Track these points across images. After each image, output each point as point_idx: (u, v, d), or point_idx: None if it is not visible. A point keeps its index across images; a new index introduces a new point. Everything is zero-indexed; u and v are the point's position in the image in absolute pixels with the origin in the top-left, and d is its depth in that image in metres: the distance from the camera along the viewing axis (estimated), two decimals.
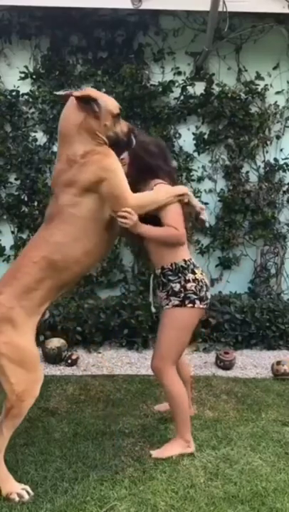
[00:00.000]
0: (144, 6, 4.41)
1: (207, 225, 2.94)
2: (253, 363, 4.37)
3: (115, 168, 2.50)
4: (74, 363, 4.18)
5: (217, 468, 2.65)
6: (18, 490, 2.38)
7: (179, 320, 2.72)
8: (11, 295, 2.39)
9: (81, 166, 2.45)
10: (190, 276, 2.71)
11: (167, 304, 2.73)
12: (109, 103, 2.52)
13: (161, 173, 2.77)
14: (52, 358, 4.16)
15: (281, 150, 5.11)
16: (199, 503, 2.35)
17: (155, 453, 2.76)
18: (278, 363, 4.04)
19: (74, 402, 3.43)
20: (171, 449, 2.76)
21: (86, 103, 2.44)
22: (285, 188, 5.15)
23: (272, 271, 5.20)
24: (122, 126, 2.59)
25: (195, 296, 2.69)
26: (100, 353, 4.49)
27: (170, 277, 2.72)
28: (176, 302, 2.70)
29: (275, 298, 5.02)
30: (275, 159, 5.09)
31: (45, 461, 2.68)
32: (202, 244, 5.17)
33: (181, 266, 2.72)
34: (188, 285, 2.69)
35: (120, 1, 4.42)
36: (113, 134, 2.54)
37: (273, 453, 2.82)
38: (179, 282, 2.70)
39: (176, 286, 2.70)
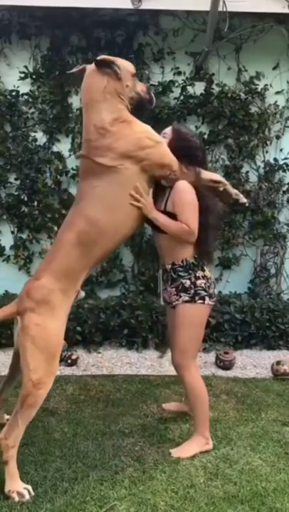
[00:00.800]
0: (144, 6, 4.41)
1: (247, 204, 3.00)
2: (252, 363, 4.37)
3: (154, 137, 2.59)
4: (74, 363, 4.18)
5: (217, 468, 2.65)
6: (20, 489, 2.38)
7: (192, 316, 2.77)
8: (52, 277, 2.45)
9: (114, 134, 2.49)
10: (200, 273, 2.75)
11: (177, 300, 2.77)
12: (125, 63, 2.60)
13: (195, 162, 2.76)
14: None
15: (281, 150, 5.11)
16: (199, 503, 2.36)
17: (175, 451, 2.77)
18: (278, 362, 4.04)
19: (74, 402, 3.43)
20: (191, 448, 2.78)
21: (107, 66, 2.50)
22: (284, 188, 5.15)
23: (272, 271, 5.20)
24: (142, 86, 2.69)
25: (205, 293, 2.74)
26: (99, 353, 4.49)
27: (180, 273, 2.76)
28: (187, 298, 2.74)
29: (275, 298, 5.02)
30: (275, 159, 5.09)
31: (45, 461, 2.68)
32: None
33: (192, 263, 2.75)
34: (199, 282, 2.74)
35: (120, 1, 4.42)
36: (136, 94, 2.62)
37: (273, 453, 2.83)
38: (189, 279, 2.74)
39: (187, 283, 2.74)
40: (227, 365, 4.20)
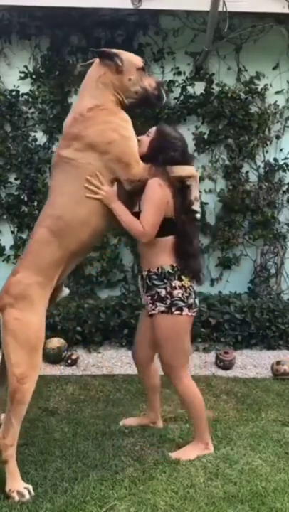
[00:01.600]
0: (144, 5, 4.41)
1: (198, 216, 2.71)
2: (252, 363, 4.37)
3: (124, 132, 2.48)
4: (74, 362, 4.18)
5: (217, 468, 2.65)
6: (21, 488, 2.37)
7: (171, 328, 2.64)
8: (27, 272, 2.45)
9: (87, 121, 2.43)
10: (176, 282, 2.60)
11: (153, 310, 2.65)
12: (131, 56, 2.55)
13: (172, 163, 2.62)
14: (52, 357, 4.16)
15: (281, 150, 5.12)
16: (199, 502, 2.35)
17: (174, 454, 2.76)
18: (278, 362, 4.04)
19: (74, 402, 3.43)
20: (191, 452, 2.75)
21: (109, 58, 2.47)
22: (284, 188, 5.15)
23: (272, 271, 5.20)
24: (150, 81, 2.58)
25: (182, 304, 2.60)
26: (99, 352, 4.49)
27: (155, 281, 2.64)
28: (163, 308, 2.61)
29: (275, 298, 5.02)
30: (275, 159, 5.09)
31: (45, 461, 2.68)
32: (202, 244, 5.17)
33: (168, 271, 2.61)
34: (175, 292, 2.59)
35: (120, 1, 4.42)
36: (141, 88, 2.54)
37: (273, 453, 2.82)
38: (165, 288, 2.60)
39: (162, 292, 2.61)
40: (227, 365, 4.20)
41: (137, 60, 2.56)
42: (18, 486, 2.38)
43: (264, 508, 2.33)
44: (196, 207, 2.67)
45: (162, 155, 2.59)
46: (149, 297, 2.68)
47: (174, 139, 2.67)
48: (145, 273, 2.69)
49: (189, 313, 2.64)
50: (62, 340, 4.27)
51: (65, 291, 2.79)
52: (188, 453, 2.75)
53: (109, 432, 3.02)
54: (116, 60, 2.48)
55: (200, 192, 5.00)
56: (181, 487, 2.47)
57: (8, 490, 2.37)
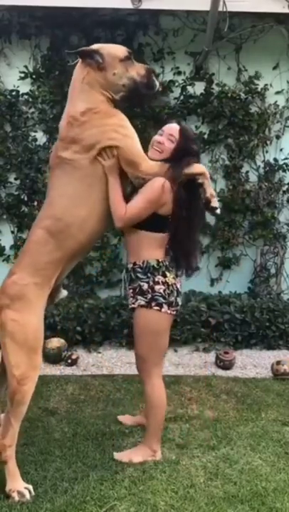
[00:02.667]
0: (144, 5, 4.41)
1: (218, 211, 2.68)
2: (252, 363, 4.37)
3: (125, 131, 2.46)
4: (74, 362, 4.18)
5: (217, 468, 2.65)
6: (21, 488, 2.38)
7: (148, 323, 2.61)
8: (24, 273, 2.43)
9: (82, 125, 2.40)
10: (160, 278, 2.57)
11: (133, 303, 2.63)
12: (112, 49, 2.44)
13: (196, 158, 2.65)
14: (52, 357, 4.16)
15: (281, 150, 5.11)
16: (199, 502, 2.35)
17: (117, 455, 2.72)
18: (278, 362, 4.04)
19: (74, 402, 3.43)
20: (136, 456, 2.69)
21: (89, 57, 2.39)
22: (284, 188, 5.15)
23: (272, 271, 5.20)
24: (138, 69, 2.47)
25: (163, 300, 2.57)
26: (99, 352, 4.49)
27: (138, 274, 2.61)
28: (142, 302, 2.59)
29: (275, 298, 5.02)
30: (275, 159, 5.09)
31: (45, 461, 2.68)
32: (202, 244, 5.17)
33: (152, 266, 2.58)
34: (157, 287, 2.57)
35: (120, 1, 4.42)
36: (128, 80, 2.44)
37: (273, 453, 2.83)
38: (147, 282, 2.58)
39: (144, 286, 2.58)
40: (227, 365, 4.20)
41: (119, 51, 2.44)
42: (18, 486, 2.39)
43: (264, 508, 2.33)
44: (215, 203, 2.64)
45: (185, 158, 2.55)
46: (131, 290, 2.66)
47: (195, 144, 2.64)
48: (130, 265, 2.67)
49: (169, 311, 2.60)
50: (62, 340, 4.27)
51: (63, 292, 2.77)
52: (133, 456, 2.70)
53: (109, 431, 3.02)
54: (95, 57, 2.39)
55: None
56: (181, 487, 2.47)
57: (8, 490, 2.37)
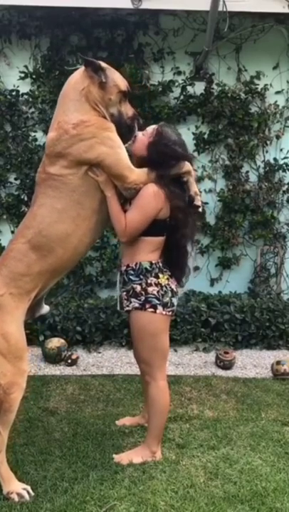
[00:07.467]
0: (144, 5, 4.41)
1: (200, 210, 2.67)
2: (252, 363, 4.37)
3: (111, 142, 2.41)
4: (74, 362, 4.18)
5: (217, 468, 2.65)
6: (19, 490, 2.38)
7: (144, 326, 2.59)
8: (1, 283, 2.39)
9: (71, 138, 2.37)
10: (152, 280, 2.56)
11: (128, 306, 2.62)
12: (117, 77, 2.45)
13: (166, 168, 2.58)
14: (52, 357, 4.16)
15: (281, 150, 5.12)
16: (199, 502, 2.35)
17: (117, 457, 2.72)
18: (278, 362, 4.04)
19: (74, 402, 3.43)
20: (136, 457, 2.69)
21: (94, 71, 2.39)
22: (284, 188, 5.15)
23: (272, 271, 5.20)
24: (128, 109, 2.50)
25: (157, 302, 2.55)
26: (99, 352, 4.49)
27: (131, 277, 2.60)
28: (136, 305, 2.57)
29: (275, 298, 5.02)
30: (275, 159, 5.09)
31: (45, 461, 2.68)
32: (202, 244, 5.17)
33: (145, 268, 2.57)
34: (150, 289, 2.55)
35: (120, 1, 4.42)
36: (117, 112, 2.46)
37: (273, 453, 2.83)
38: (140, 284, 2.57)
39: (137, 288, 2.57)
40: (227, 365, 4.20)
41: (122, 83, 2.46)
42: (15, 487, 2.39)
43: (264, 508, 2.33)
44: (198, 201, 2.63)
45: (163, 162, 2.52)
46: (125, 293, 2.65)
47: (173, 145, 2.56)
48: (124, 268, 2.67)
49: (164, 312, 2.58)
50: (62, 340, 4.27)
51: (46, 308, 2.73)
52: (133, 457, 2.69)
53: (109, 431, 3.02)
54: (100, 74, 2.39)
55: (200, 191, 5.03)
56: (181, 487, 2.47)
57: (6, 493, 2.37)
